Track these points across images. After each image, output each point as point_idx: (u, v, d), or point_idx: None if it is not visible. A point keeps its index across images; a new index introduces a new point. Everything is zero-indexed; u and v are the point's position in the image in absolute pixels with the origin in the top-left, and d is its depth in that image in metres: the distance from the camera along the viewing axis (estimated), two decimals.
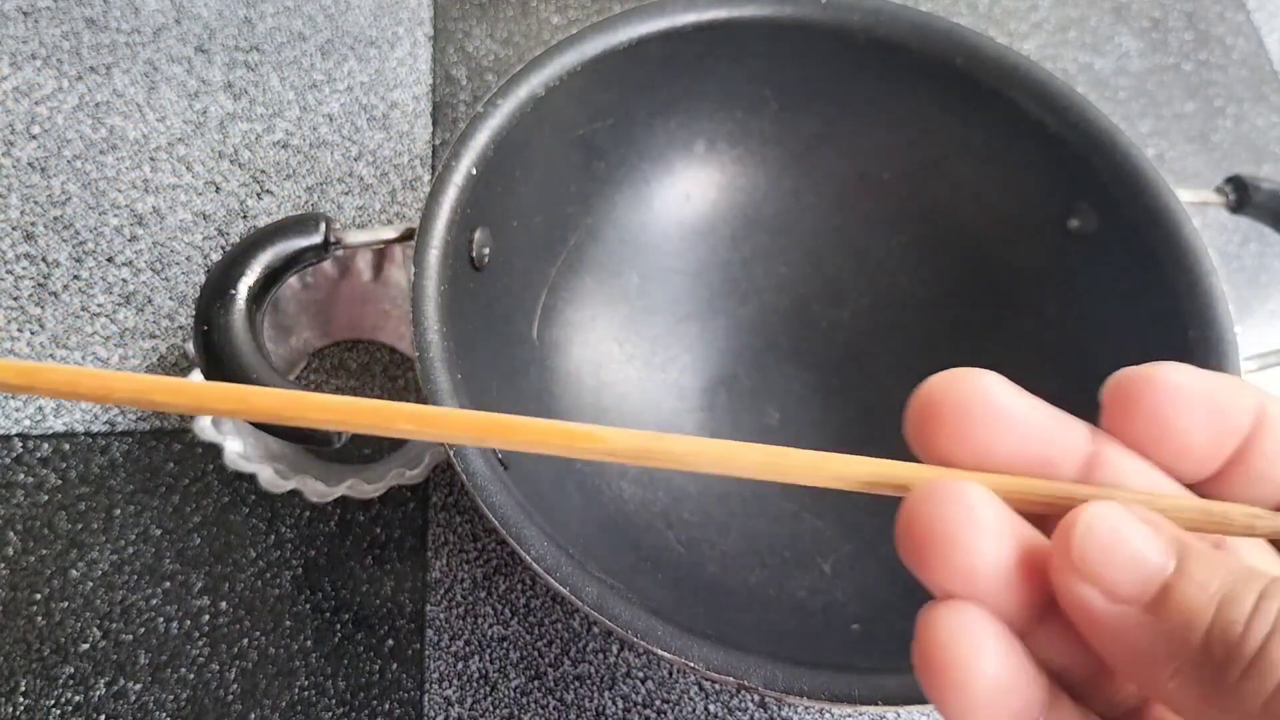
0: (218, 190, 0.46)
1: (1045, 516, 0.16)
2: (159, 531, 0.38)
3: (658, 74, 0.38)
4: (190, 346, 0.39)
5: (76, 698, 0.35)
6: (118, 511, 0.38)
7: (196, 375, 0.37)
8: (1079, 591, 0.15)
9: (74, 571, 0.37)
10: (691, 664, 0.27)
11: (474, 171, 0.33)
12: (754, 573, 0.37)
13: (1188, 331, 0.33)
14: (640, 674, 0.37)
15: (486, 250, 0.34)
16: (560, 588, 0.27)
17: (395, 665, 0.37)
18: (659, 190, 0.42)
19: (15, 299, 0.42)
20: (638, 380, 0.41)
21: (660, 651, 0.27)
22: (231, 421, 0.38)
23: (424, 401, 0.29)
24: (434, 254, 0.31)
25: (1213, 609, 0.14)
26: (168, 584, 0.37)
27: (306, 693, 0.36)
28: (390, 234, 0.33)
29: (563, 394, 0.39)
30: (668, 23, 0.37)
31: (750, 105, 0.41)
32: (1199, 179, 0.53)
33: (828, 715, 0.37)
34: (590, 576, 0.27)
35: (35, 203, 0.44)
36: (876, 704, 0.27)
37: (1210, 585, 0.14)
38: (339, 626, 0.37)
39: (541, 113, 0.35)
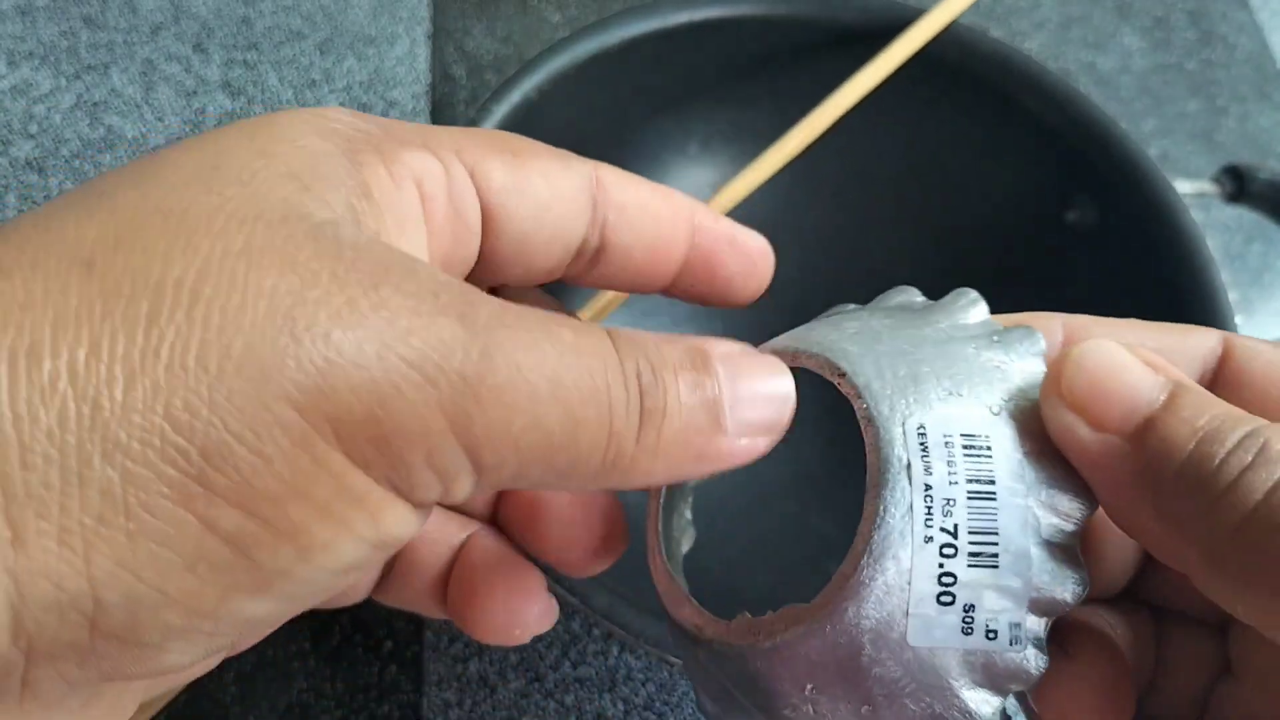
0: None
1: None
2: None
3: (651, 75, 0.38)
4: None
5: None
6: None
7: None
8: (1064, 420, 0.15)
9: None
10: None
11: None
12: (760, 576, 0.37)
13: (1187, 323, 0.33)
14: (641, 676, 0.37)
15: None
16: (569, 597, 0.27)
17: (394, 667, 0.37)
18: None
19: None
20: None
21: (672, 659, 0.26)
22: None
23: None
24: None
25: (1193, 443, 0.14)
26: None
27: (305, 695, 0.36)
28: None
29: None
30: (660, 23, 0.37)
31: (744, 104, 0.41)
32: (1202, 178, 0.53)
33: None
34: (598, 584, 0.27)
35: (33, 202, 0.44)
36: None
37: (1195, 421, 0.14)
38: (337, 628, 0.37)
39: (535, 117, 0.35)
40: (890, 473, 0.15)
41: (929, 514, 0.14)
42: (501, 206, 0.17)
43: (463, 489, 0.14)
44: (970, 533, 0.14)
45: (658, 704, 0.37)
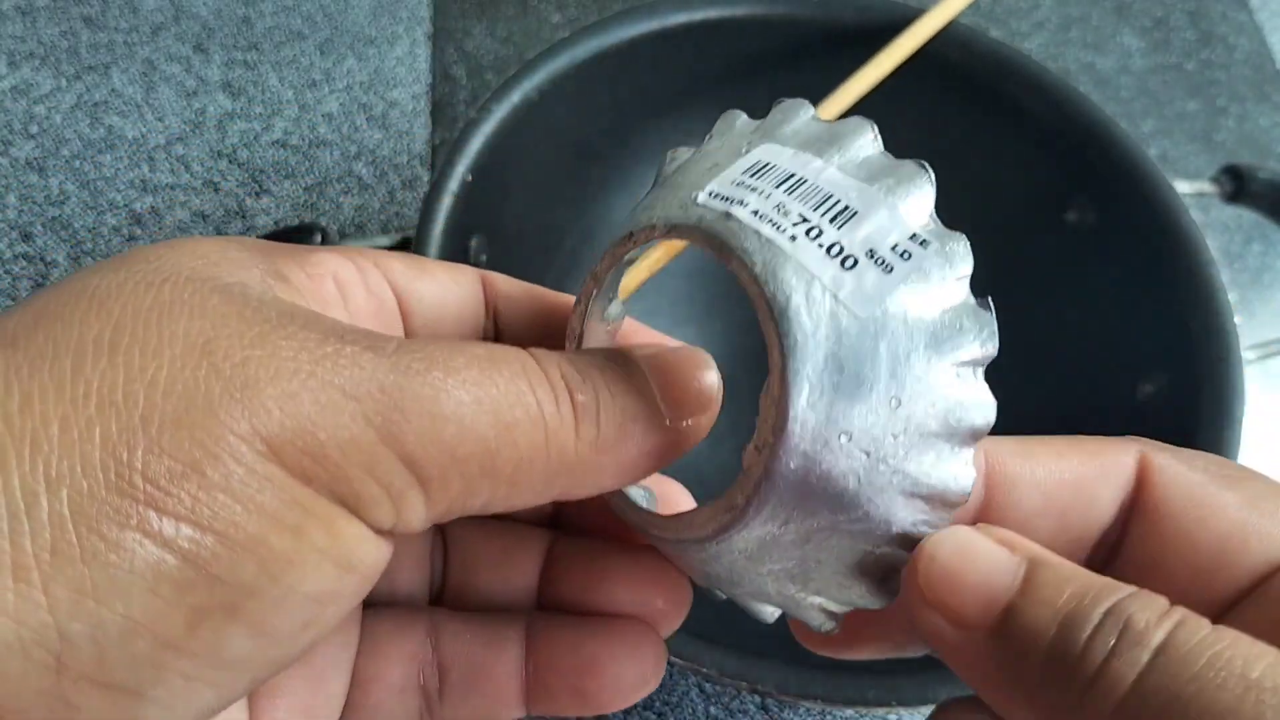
0: (216, 190, 0.46)
1: None
2: None
3: (650, 75, 0.38)
4: None
5: None
6: None
7: None
8: (928, 620, 0.14)
9: None
10: (704, 670, 0.26)
11: (469, 178, 0.33)
12: None
13: (1187, 322, 0.33)
14: None
15: (484, 257, 0.34)
16: None
17: None
18: None
19: (13, 299, 0.42)
20: None
21: (673, 659, 0.26)
22: None
23: None
24: None
25: (1054, 628, 0.13)
26: None
27: None
28: (385, 242, 0.33)
29: None
30: (659, 24, 0.37)
31: (743, 105, 0.41)
32: (1202, 178, 0.53)
33: (829, 717, 0.37)
34: None
35: (33, 202, 0.44)
36: (891, 705, 0.26)
37: (1055, 602, 0.13)
38: None
39: (535, 117, 0.35)
40: (719, 231, 0.15)
41: (774, 224, 0.15)
42: (409, 292, 0.18)
43: (415, 510, 0.14)
44: (815, 209, 0.15)
45: (658, 704, 0.37)
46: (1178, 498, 0.16)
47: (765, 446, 0.15)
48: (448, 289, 0.18)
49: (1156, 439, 0.35)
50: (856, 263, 0.15)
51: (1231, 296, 0.34)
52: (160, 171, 0.46)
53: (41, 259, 0.43)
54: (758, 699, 0.37)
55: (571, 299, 0.19)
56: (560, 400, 0.15)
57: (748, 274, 0.15)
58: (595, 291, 0.18)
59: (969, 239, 0.16)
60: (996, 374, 0.16)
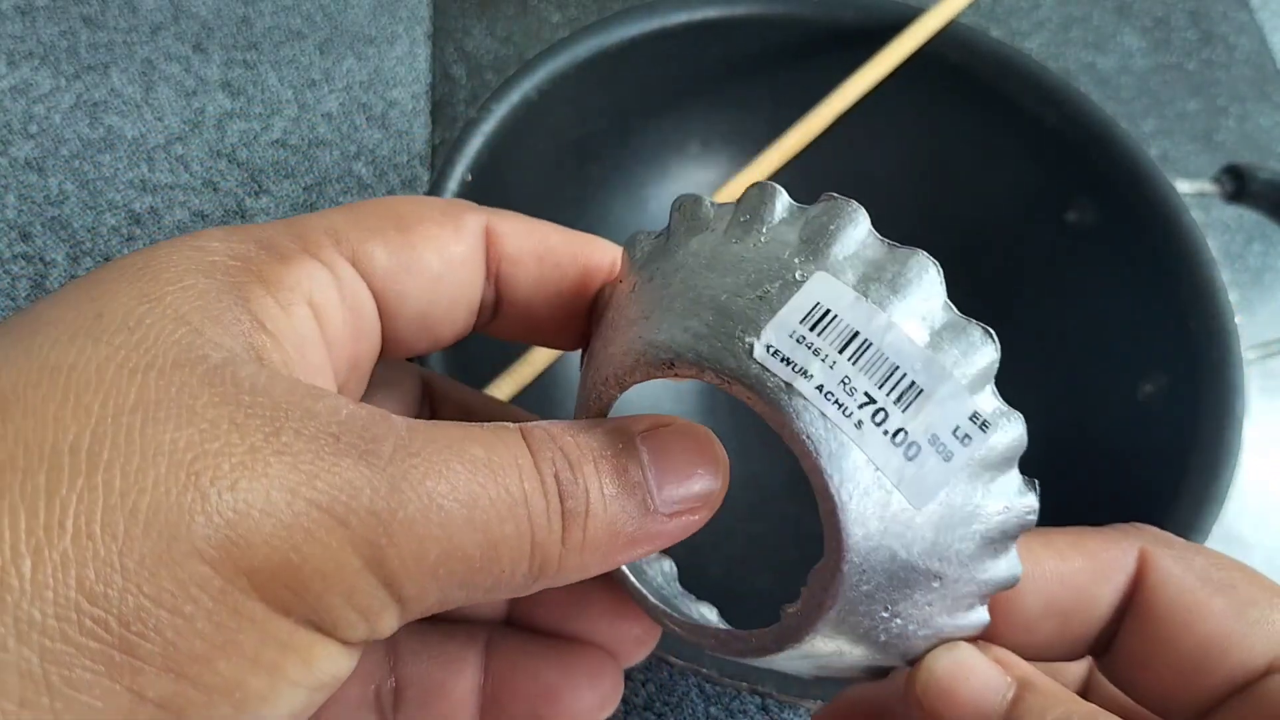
0: (215, 189, 0.46)
1: None
2: None
3: (650, 75, 0.38)
4: None
5: None
6: None
7: None
8: None
9: None
10: (704, 671, 0.26)
11: (469, 178, 0.32)
12: (762, 577, 0.37)
13: (1188, 322, 0.34)
14: (640, 677, 0.37)
15: None
16: None
17: None
18: (654, 192, 0.42)
19: (12, 299, 0.42)
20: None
21: (672, 659, 0.26)
22: None
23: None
24: None
25: None
26: None
27: None
28: None
29: (563, 399, 0.38)
30: (659, 23, 0.37)
31: (744, 104, 0.41)
32: (1202, 178, 0.53)
33: None
34: None
35: (32, 202, 0.44)
36: None
37: None
38: None
39: (535, 117, 0.35)
40: (784, 406, 0.14)
41: (840, 405, 0.14)
42: (392, 290, 0.17)
43: (388, 624, 0.14)
44: (880, 385, 0.14)
45: (658, 704, 0.37)
46: (1168, 601, 0.16)
47: (806, 616, 0.15)
48: (438, 279, 0.17)
49: (1157, 439, 0.35)
50: (919, 451, 0.14)
51: (1232, 296, 0.34)
52: (159, 171, 0.46)
53: (40, 259, 0.43)
54: (758, 700, 0.37)
55: (590, 241, 0.19)
56: (551, 508, 0.14)
57: (810, 462, 0.14)
58: (617, 396, 0.17)
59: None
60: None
